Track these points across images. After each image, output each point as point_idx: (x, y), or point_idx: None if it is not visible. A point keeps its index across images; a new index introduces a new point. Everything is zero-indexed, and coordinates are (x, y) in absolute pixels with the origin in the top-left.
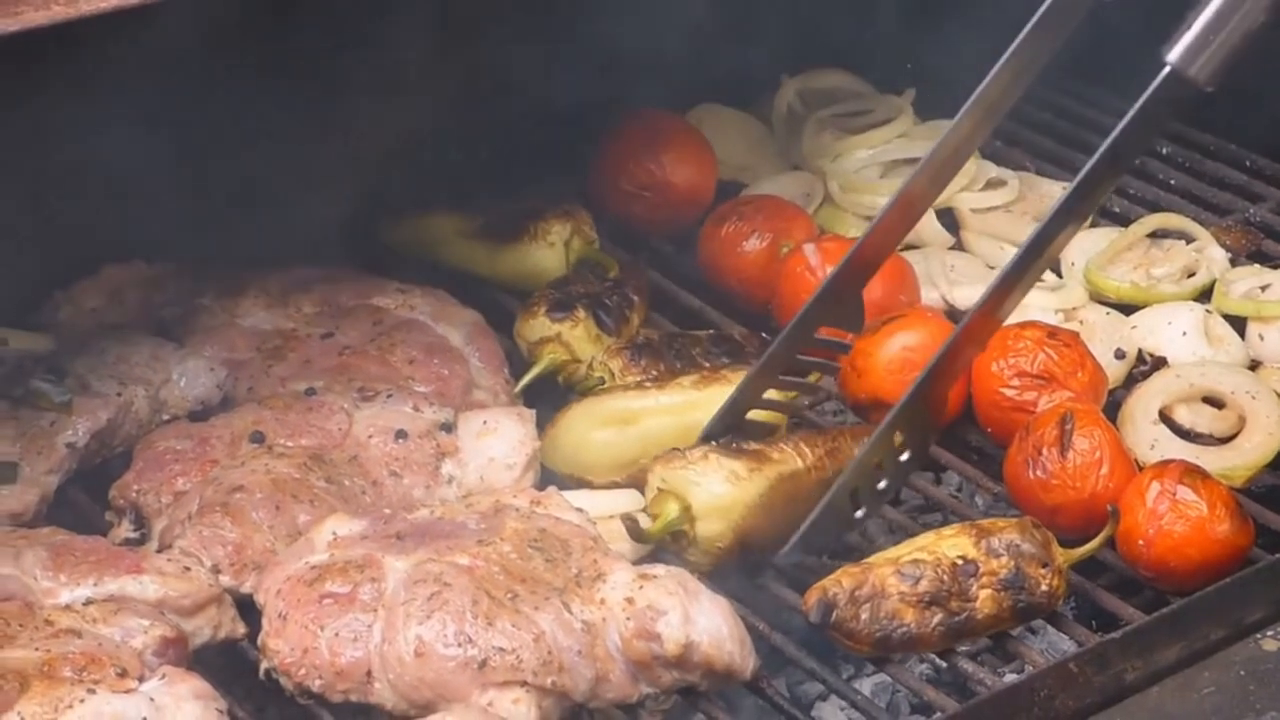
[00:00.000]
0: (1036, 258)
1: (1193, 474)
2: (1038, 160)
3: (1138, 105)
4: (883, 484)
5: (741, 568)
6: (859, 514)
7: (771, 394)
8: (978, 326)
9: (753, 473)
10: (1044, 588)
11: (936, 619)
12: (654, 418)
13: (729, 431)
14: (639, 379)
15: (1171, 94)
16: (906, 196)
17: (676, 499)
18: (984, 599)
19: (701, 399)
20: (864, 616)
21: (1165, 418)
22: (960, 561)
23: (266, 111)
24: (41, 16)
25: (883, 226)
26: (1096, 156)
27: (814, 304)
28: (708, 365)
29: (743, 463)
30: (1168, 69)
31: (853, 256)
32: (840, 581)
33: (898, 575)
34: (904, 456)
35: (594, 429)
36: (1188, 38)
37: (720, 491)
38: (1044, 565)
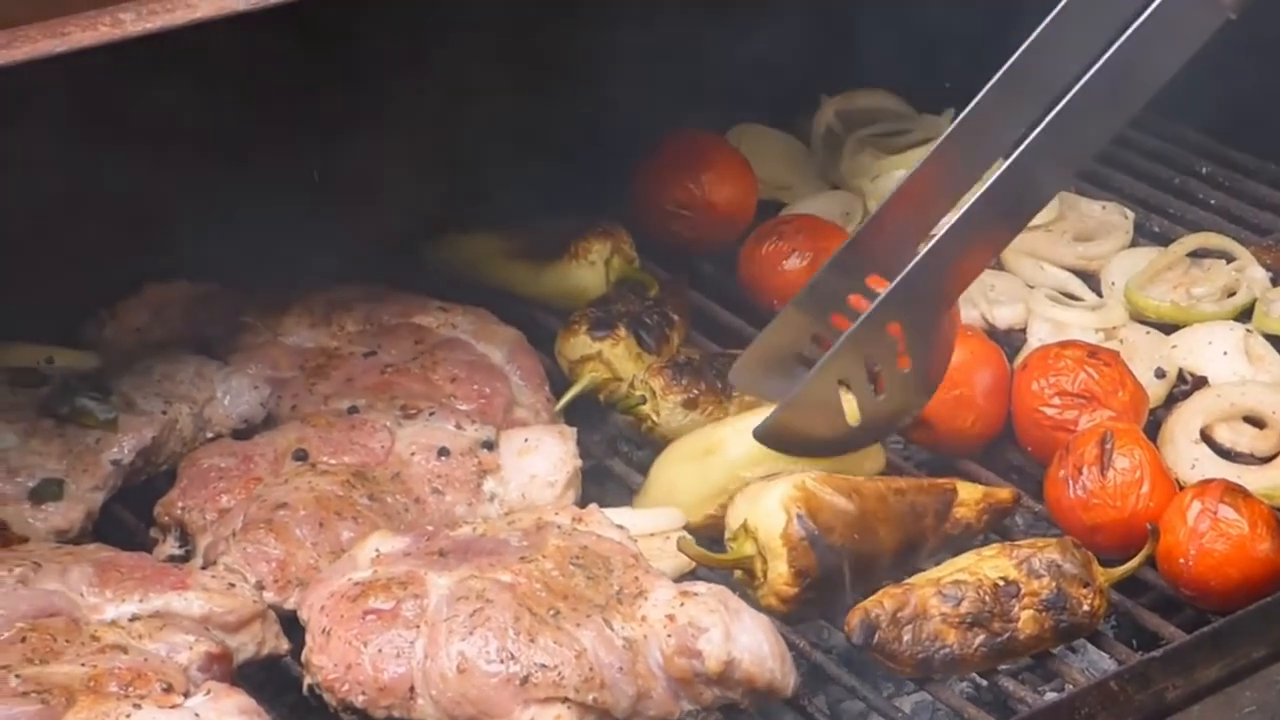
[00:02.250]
0: (1018, 179)
1: (1234, 493)
2: (1078, 179)
3: (1147, 12)
4: (881, 397)
5: None
6: (854, 424)
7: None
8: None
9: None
10: (1085, 608)
11: (978, 640)
12: (734, 443)
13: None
14: (680, 398)
15: (1186, 11)
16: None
17: (745, 531)
18: (1026, 620)
19: None
20: (906, 638)
21: (1206, 437)
22: (1002, 582)
23: (309, 129)
24: (89, 37)
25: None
26: (1091, 72)
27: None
28: None
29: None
30: None
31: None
32: (882, 603)
33: (939, 596)
34: (905, 370)
35: (678, 466)
36: None
37: (773, 505)
38: (1085, 585)
